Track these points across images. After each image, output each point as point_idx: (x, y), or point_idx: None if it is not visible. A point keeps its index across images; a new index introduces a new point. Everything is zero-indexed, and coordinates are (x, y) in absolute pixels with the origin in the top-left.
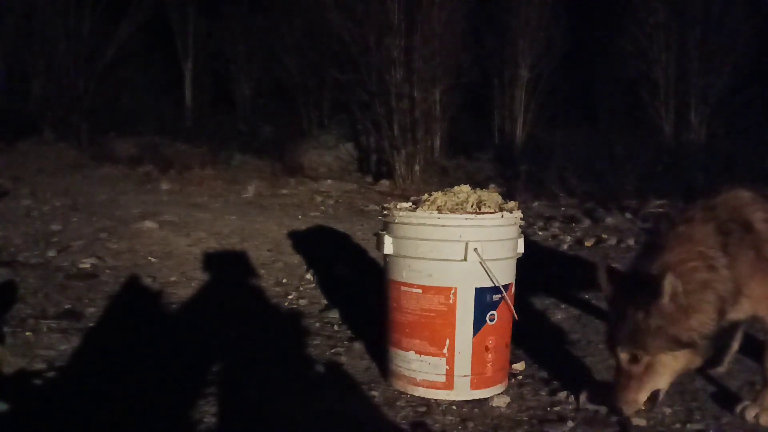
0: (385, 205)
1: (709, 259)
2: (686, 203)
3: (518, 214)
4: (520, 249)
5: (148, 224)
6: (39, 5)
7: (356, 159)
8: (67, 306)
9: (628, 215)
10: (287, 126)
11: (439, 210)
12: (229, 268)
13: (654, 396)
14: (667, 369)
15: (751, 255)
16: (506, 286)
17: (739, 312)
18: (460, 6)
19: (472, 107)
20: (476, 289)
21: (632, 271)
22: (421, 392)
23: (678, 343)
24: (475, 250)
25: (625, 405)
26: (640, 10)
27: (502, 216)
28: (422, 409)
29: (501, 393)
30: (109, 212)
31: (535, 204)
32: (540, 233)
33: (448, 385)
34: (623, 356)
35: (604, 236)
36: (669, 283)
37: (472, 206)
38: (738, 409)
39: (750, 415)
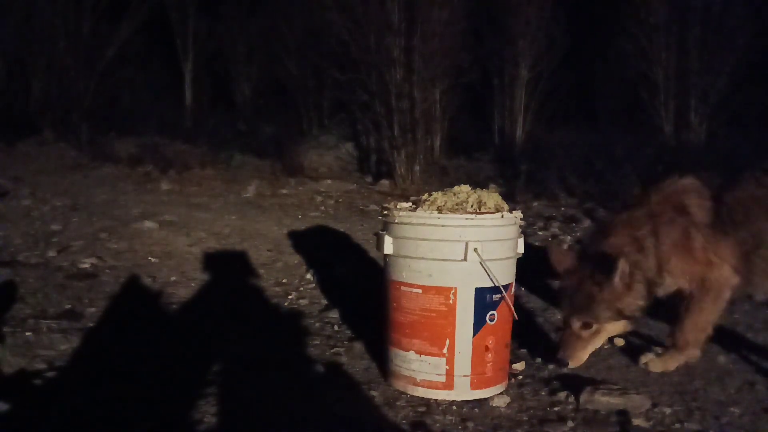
0: (385, 205)
1: (640, 240)
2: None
3: (518, 214)
4: (520, 249)
5: (148, 224)
6: (39, 5)
7: (356, 159)
8: (67, 306)
9: None
10: (287, 126)
11: (439, 210)
12: (229, 268)
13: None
14: (608, 334)
15: (676, 235)
16: (506, 286)
17: (667, 287)
18: (460, 6)
19: (472, 107)
20: (476, 289)
21: (586, 251)
22: (421, 392)
23: (622, 315)
24: (475, 250)
25: (572, 360)
26: (640, 10)
27: (502, 216)
28: (422, 409)
29: (501, 393)
30: (109, 212)
31: (535, 204)
32: (540, 233)
33: (448, 385)
34: (577, 323)
35: None
36: (622, 265)
37: (472, 206)
38: (641, 360)
39: (641, 361)
